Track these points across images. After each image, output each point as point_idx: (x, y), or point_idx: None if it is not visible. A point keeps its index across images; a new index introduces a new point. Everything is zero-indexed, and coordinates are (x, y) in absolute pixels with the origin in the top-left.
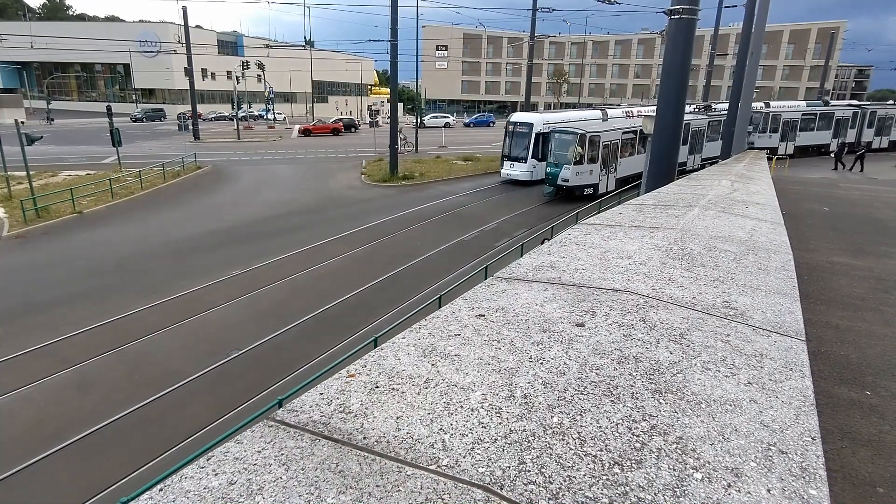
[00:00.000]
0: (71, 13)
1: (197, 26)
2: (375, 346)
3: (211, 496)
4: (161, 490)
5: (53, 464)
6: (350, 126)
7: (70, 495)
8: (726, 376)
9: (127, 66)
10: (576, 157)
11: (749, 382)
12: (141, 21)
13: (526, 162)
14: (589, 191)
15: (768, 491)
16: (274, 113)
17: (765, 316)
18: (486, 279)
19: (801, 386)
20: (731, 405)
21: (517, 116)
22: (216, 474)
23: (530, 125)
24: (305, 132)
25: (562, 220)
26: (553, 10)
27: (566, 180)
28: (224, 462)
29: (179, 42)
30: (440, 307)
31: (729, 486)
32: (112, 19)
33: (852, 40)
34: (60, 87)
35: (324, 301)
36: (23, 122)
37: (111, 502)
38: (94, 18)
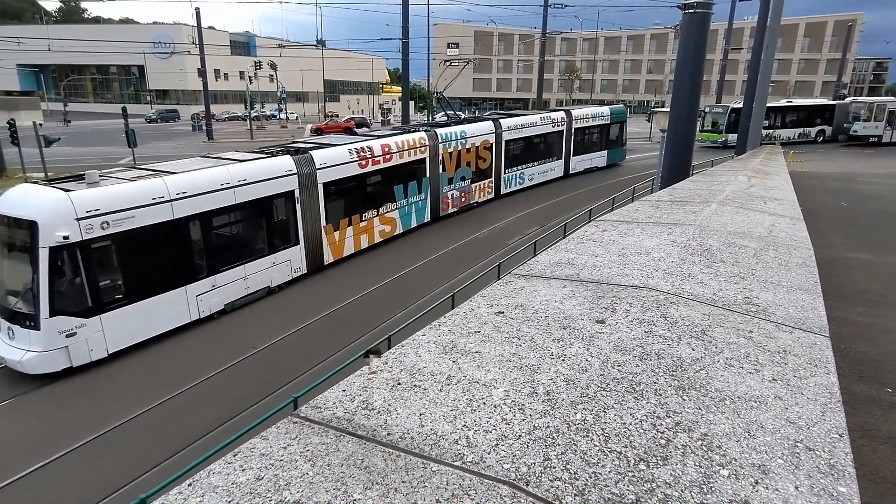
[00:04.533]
0: (86, 16)
1: (210, 27)
2: (389, 345)
3: (239, 491)
4: (190, 485)
5: (67, 463)
6: (362, 125)
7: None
8: (750, 373)
9: (141, 68)
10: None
11: (773, 379)
12: (155, 23)
13: (36, 328)
14: None
15: (796, 488)
16: (286, 112)
17: (787, 312)
18: (499, 277)
19: (826, 382)
20: (755, 402)
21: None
22: (243, 470)
23: (32, 227)
24: (317, 131)
25: (574, 217)
26: (565, 5)
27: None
28: (251, 458)
29: (193, 43)
30: (454, 306)
31: (756, 482)
32: (126, 22)
33: (870, 32)
34: (76, 89)
35: (331, 303)
36: (40, 124)
37: (126, 500)
38: (109, 21)
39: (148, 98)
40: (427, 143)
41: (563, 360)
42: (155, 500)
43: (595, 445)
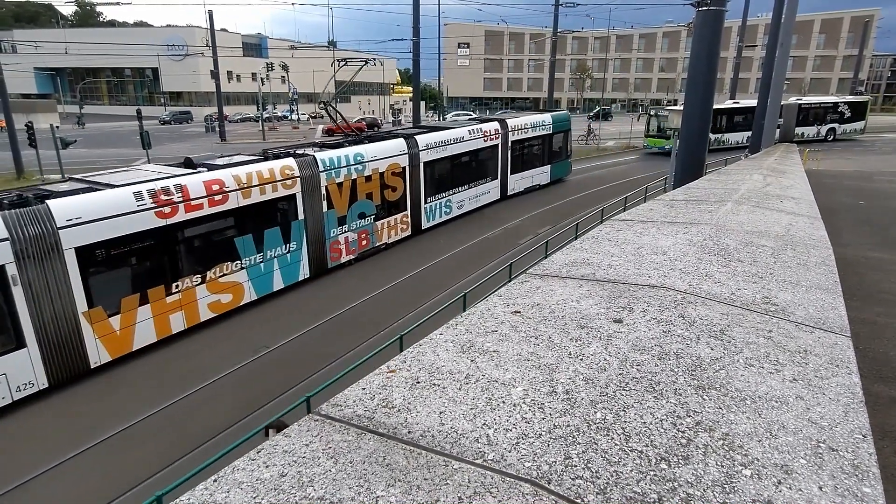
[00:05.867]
0: (101, 20)
1: (222, 29)
2: (401, 346)
3: (264, 487)
4: (216, 481)
5: (84, 460)
6: (373, 125)
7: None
8: (770, 373)
9: (155, 70)
10: None
11: (794, 379)
12: (168, 26)
13: None
14: None
15: (820, 488)
16: (298, 113)
17: (807, 312)
18: (510, 277)
19: (848, 382)
20: (776, 402)
21: None
22: (267, 467)
23: None
24: (329, 132)
25: (587, 217)
26: (576, 4)
27: None
28: (274, 455)
29: (206, 45)
30: (465, 308)
31: (779, 482)
32: (140, 25)
33: (887, 28)
34: (92, 92)
35: (344, 302)
36: (57, 127)
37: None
38: (124, 24)
39: (161, 100)
40: (296, 175)
41: (581, 359)
42: (174, 499)
43: (616, 444)
